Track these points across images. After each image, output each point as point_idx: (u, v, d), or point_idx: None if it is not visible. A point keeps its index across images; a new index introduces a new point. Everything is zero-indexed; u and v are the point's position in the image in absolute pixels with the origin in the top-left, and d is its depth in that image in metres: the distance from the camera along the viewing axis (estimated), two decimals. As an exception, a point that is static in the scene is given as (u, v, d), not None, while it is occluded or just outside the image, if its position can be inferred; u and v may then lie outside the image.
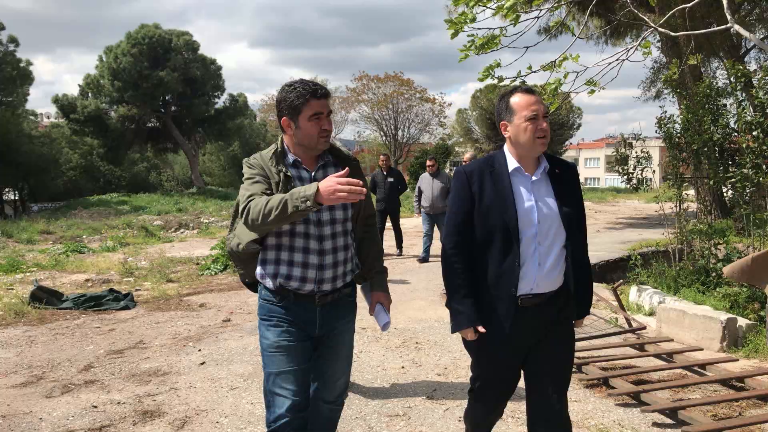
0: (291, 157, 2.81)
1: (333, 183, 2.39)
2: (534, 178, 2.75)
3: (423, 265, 10.79)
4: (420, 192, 11.10)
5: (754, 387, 4.55)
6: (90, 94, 38.34)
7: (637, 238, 13.40)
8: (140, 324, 6.99)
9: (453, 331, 2.79)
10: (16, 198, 36.99)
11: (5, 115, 30.75)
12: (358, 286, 3.08)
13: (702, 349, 5.57)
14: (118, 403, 4.53)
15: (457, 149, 51.05)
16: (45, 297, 8.05)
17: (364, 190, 2.44)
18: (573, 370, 3.51)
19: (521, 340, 2.75)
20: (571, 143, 56.35)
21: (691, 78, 13.18)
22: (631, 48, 7.75)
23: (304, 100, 2.67)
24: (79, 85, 38.67)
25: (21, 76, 32.65)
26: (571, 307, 2.82)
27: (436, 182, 10.84)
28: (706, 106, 7.09)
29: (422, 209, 11.06)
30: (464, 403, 4.36)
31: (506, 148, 2.80)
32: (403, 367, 5.21)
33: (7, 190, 36.56)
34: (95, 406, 4.47)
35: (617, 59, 7.88)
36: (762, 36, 20.76)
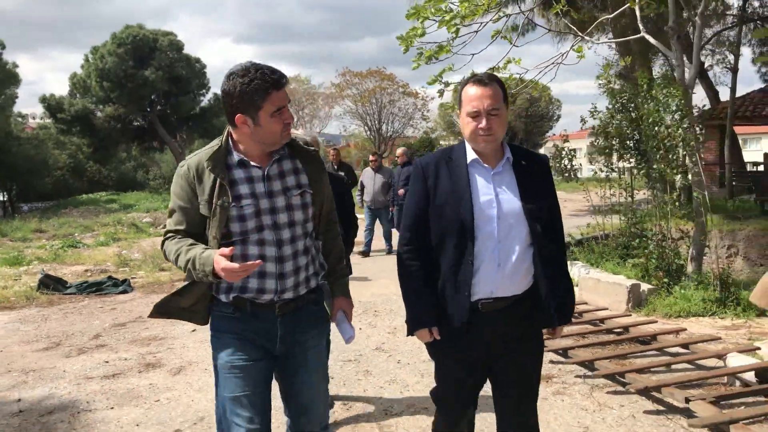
0: (236, 157, 2.42)
1: (229, 269, 2.17)
2: (495, 170, 2.50)
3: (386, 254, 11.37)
4: (363, 186, 11.50)
5: (634, 333, 5.69)
6: (77, 94, 39.10)
7: (593, 223, 14.53)
8: (138, 304, 8.03)
9: (408, 334, 2.60)
10: (5, 199, 37.77)
11: (-6, 117, 31.45)
12: None
13: (607, 309, 6.72)
14: (125, 359, 5.60)
15: (441, 142, 52.11)
16: (52, 284, 9.09)
17: (258, 263, 2.24)
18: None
19: (482, 346, 2.53)
20: (553, 134, 57.46)
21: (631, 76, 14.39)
22: (566, 53, 8.91)
23: (264, 94, 2.28)
24: (70, 82, 39.38)
25: (8, 78, 33.29)
26: (543, 313, 2.52)
27: (378, 177, 11.21)
28: (622, 103, 8.21)
29: (364, 203, 11.41)
30: (407, 352, 5.45)
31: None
32: (360, 329, 6.29)
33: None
34: (107, 362, 5.53)
35: (553, 62, 9.05)
36: (718, 29, 22.05)
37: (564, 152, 9.29)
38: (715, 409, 3.78)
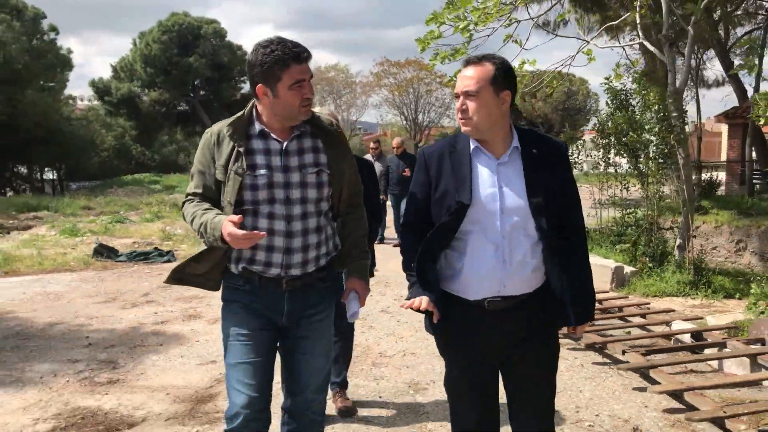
0: (258, 127, 2.47)
1: (233, 235, 2.22)
2: (500, 160, 2.34)
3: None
4: None
5: (605, 305, 6.54)
6: (124, 78, 40.79)
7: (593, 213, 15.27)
8: (181, 271, 9.13)
9: (408, 298, 2.37)
10: (54, 177, 39.71)
11: (47, 100, 33.13)
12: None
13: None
14: (171, 311, 6.66)
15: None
16: (105, 252, 10.26)
17: (262, 234, 2.28)
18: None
19: (492, 346, 2.40)
20: (587, 129, 57.45)
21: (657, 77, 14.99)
22: (576, 54, 9.69)
23: (284, 66, 2.32)
24: (111, 65, 41.06)
25: (61, 62, 34.97)
26: (556, 311, 2.38)
27: (376, 165, 10.90)
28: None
29: None
30: (407, 314, 6.37)
31: None
32: (371, 296, 7.23)
33: (46, 169, 39.36)
34: (155, 313, 6.61)
35: (562, 64, 9.85)
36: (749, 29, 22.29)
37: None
38: (643, 358, 4.64)
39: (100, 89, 39.98)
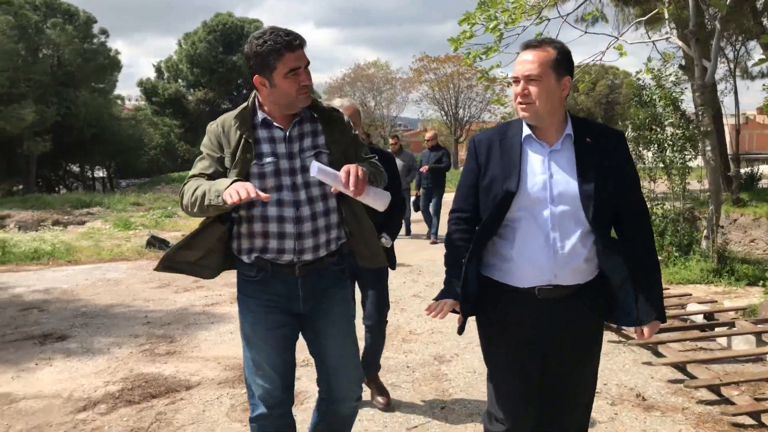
0: (260, 116, 2.50)
1: (239, 187, 2.20)
2: (553, 148, 2.30)
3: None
4: None
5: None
6: (170, 78, 42.04)
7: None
8: (227, 260, 9.74)
9: (436, 299, 2.39)
10: (104, 175, 41.21)
11: (98, 100, 34.42)
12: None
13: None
14: (220, 295, 7.23)
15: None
16: (157, 243, 10.94)
17: (264, 196, 2.22)
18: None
19: (536, 335, 2.35)
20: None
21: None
22: (606, 50, 9.95)
23: (277, 56, 2.34)
24: (154, 65, 42.28)
25: (111, 64, 36.24)
26: (608, 308, 2.36)
27: (397, 161, 10.69)
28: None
29: None
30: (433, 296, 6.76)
31: None
32: (404, 282, 7.70)
33: (96, 167, 40.89)
34: (206, 296, 7.19)
35: (593, 60, 10.12)
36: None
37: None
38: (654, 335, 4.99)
39: (148, 90, 41.30)
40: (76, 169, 39.90)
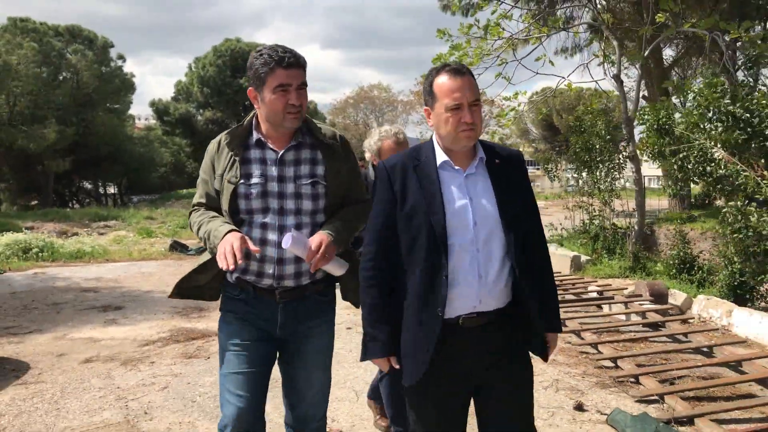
0: (255, 136, 2.46)
1: (228, 247, 2.19)
2: (468, 172, 2.25)
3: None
4: None
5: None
6: (180, 99, 44.27)
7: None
8: (238, 260, 11.69)
9: (362, 359, 2.30)
10: (115, 191, 43.27)
11: (114, 120, 36.52)
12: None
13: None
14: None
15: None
16: (178, 247, 12.91)
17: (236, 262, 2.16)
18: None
19: (464, 368, 2.23)
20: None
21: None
22: (556, 87, 11.91)
23: (268, 69, 2.30)
24: (174, 86, 44.47)
25: (126, 86, 38.47)
26: (528, 328, 2.26)
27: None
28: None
29: None
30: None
31: (434, 137, 2.32)
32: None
33: (108, 184, 43.01)
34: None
35: (544, 96, 12.09)
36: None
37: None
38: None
39: (160, 110, 43.48)
40: (88, 185, 41.95)
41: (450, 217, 2.17)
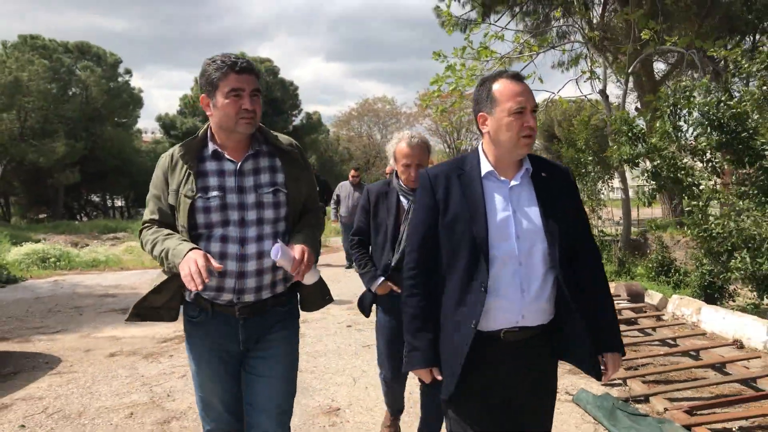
0: (211, 148, 2.40)
1: (194, 267, 2.10)
2: (512, 183, 2.20)
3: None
4: (338, 200, 10.92)
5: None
6: (186, 113, 45.07)
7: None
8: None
9: (404, 370, 2.31)
10: (122, 204, 44.07)
11: (122, 134, 37.31)
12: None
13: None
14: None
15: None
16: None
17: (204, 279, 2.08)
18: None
19: (503, 383, 2.21)
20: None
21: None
22: (546, 101, 12.54)
23: (221, 74, 2.29)
24: (180, 99, 45.35)
25: (134, 101, 39.30)
26: (574, 345, 2.20)
27: (355, 194, 10.61)
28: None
29: (340, 218, 10.90)
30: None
31: (481, 147, 2.27)
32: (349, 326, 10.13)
33: (115, 197, 43.80)
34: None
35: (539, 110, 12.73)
36: None
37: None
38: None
39: (167, 124, 44.26)
40: (96, 198, 42.72)
41: (492, 228, 2.14)
